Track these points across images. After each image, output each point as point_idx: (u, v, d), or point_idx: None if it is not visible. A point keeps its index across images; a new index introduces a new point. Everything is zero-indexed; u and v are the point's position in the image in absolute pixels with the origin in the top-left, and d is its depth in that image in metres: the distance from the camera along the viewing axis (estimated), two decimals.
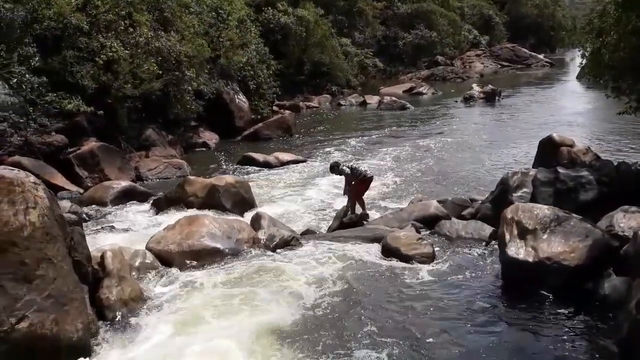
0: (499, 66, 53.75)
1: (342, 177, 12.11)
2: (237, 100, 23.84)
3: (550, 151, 13.57)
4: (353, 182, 11.81)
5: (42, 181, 7.12)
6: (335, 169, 12.09)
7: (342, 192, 12.37)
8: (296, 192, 14.99)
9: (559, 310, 7.43)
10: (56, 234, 6.68)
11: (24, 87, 15.17)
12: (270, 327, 7.17)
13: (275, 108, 27.78)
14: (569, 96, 34.08)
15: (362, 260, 9.41)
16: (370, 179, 12.13)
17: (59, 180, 14.73)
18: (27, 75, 15.29)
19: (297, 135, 23.54)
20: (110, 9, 18.08)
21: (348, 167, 11.96)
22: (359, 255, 9.57)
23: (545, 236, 8.04)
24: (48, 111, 15.78)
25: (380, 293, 8.22)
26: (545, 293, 7.75)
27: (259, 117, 24.74)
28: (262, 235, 10.15)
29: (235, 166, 18.32)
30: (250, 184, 14.21)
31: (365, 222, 11.65)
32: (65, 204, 12.35)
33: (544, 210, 8.39)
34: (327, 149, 20.09)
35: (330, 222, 12.02)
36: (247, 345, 6.76)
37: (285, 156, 18.78)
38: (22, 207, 6.35)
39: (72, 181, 15.18)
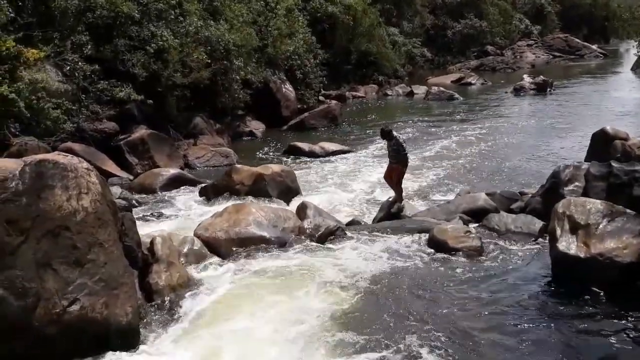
0: (551, 57, 52.41)
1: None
2: (283, 89, 23.90)
3: (603, 144, 13.22)
4: (395, 167, 11.77)
5: (94, 167, 7.26)
6: (389, 134, 11.78)
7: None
8: (342, 181, 14.96)
9: (610, 308, 7.26)
10: (107, 219, 6.81)
11: (76, 74, 15.55)
12: (315, 317, 7.18)
13: (321, 98, 27.77)
14: (623, 88, 33.09)
15: (408, 252, 9.33)
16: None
17: (110, 166, 15.05)
18: (79, 63, 15.68)
19: (343, 125, 23.51)
20: None
21: (403, 141, 11.87)
22: (404, 247, 9.50)
23: (597, 232, 7.83)
24: (100, 99, 16.14)
25: (426, 286, 8.15)
26: (596, 290, 7.57)
27: (305, 106, 24.75)
28: (307, 224, 10.15)
29: (281, 155, 18.41)
30: (296, 173, 14.24)
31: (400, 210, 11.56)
32: (116, 190, 12.64)
33: (596, 205, 8.16)
34: (373, 139, 19.93)
35: (376, 213, 11.96)
36: (290, 336, 6.79)
37: (331, 146, 18.77)
38: (75, 193, 6.49)
39: (123, 168, 15.50)
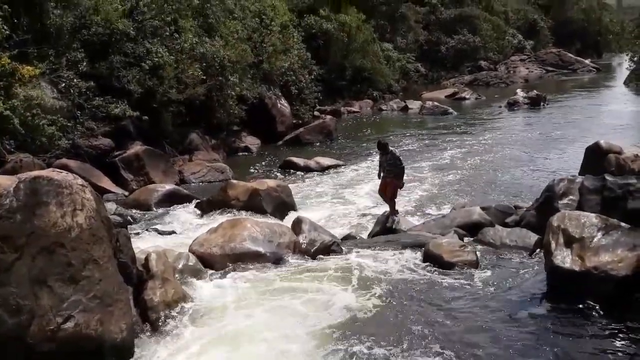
0: (544, 71, 52.67)
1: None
2: (279, 105, 23.98)
3: (597, 158, 13.28)
4: (390, 181, 11.83)
5: (89, 183, 7.25)
6: (385, 147, 11.94)
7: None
8: (337, 196, 14.98)
9: (606, 321, 7.24)
10: (102, 236, 6.79)
11: (72, 91, 15.59)
12: (309, 331, 7.16)
13: (316, 113, 27.83)
14: (616, 102, 33.26)
15: (404, 266, 9.32)
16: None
17: (105, 182, 15.04)
18: (75, 80, 15.73)
19: (338, 140, 23.58)
20: (156, 15, 18.44)
21: (400, 154, 12.00)
22: (400, 262, 9.48)
23: (592, 245, 7.84)
24: (95, 115, 16.16)
25: (422, 300, 8.13)
26: (591, 303, 7.55)
27: (300, 121, 24.82)
28: (303, 239, 10.14)
29: (276, 170, 18.44)
30: (291, 188, 14.25)
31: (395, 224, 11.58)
32: (111, 206, 12.61)
33: (591, 218, 8.19)
34: (368, 154, 20.01)
35: (371, 228, 11.96)
36: (284, 349, 6.78)
37: (326, 161, 18.81)
38: (70, 209, 6.48)
39: (118, 184, 15.49)
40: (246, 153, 21.41)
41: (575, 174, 12.51)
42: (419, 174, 16.87)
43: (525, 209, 11.34)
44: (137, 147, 16.34)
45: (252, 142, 22.19)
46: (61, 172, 6.85)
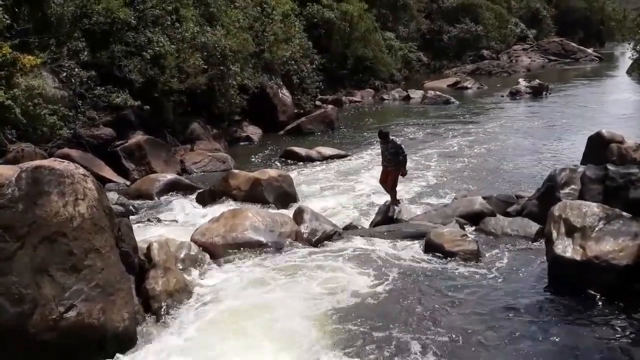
0: (547, 60, 52.63)
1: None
2: (280, 94, 23.94)
3: (599, 148, 13.26)
4: (390, 170, 11.80)
5: (90, 173, 7.26)
6: (387, 136, 11.85)
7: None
8: (338, 186, 14.97)
9: (607, 311, 7.26)
10: (104, 225, 6.81)
11: (73, 80, 15.58)
12: (312, 322, 7.18)
13: (318, 102, 27.80)
14: (619, 91, 33.21)
15: (405, 256, 9.33)
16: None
17: (107, 172, 15.06)
18: (76, 69, 15.70)
19: (339, 130, 23.54)
20: (157, 4, 18.41)
21: (401, 143, 11.91)
22: (401, 251, 9.50)
23: (593, 234, 7.85)
24: (96, 105, 16.17)
25: (422, 290, 8.15)
26: (593, 293, 7.57)
27: (301, 111, 24.80)
28: (304, 229, 10.15)
29: (278, 160, 18.42)
30: (293, 177, 14.24)
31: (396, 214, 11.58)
32: (113, 196, 12.62)
33: (592, 208, 8.19)
34: (370, 143, 19.99)
35: (373, 217, 11.97)
36: (287, 340, 6.79)
37: (328, 150, 18.79)
38: (72, 199, 6.49)
39: (119, 173, 15.50)
40: (247, 143, 21.41)
41: (577, 164, 12.52)
42: (420, 164, 16.86)
43: (526, 199, 11.34)
44: (138, 137, 16.35)
45: (253, 131, 22.16)
46: (63, 162, 6.86)
